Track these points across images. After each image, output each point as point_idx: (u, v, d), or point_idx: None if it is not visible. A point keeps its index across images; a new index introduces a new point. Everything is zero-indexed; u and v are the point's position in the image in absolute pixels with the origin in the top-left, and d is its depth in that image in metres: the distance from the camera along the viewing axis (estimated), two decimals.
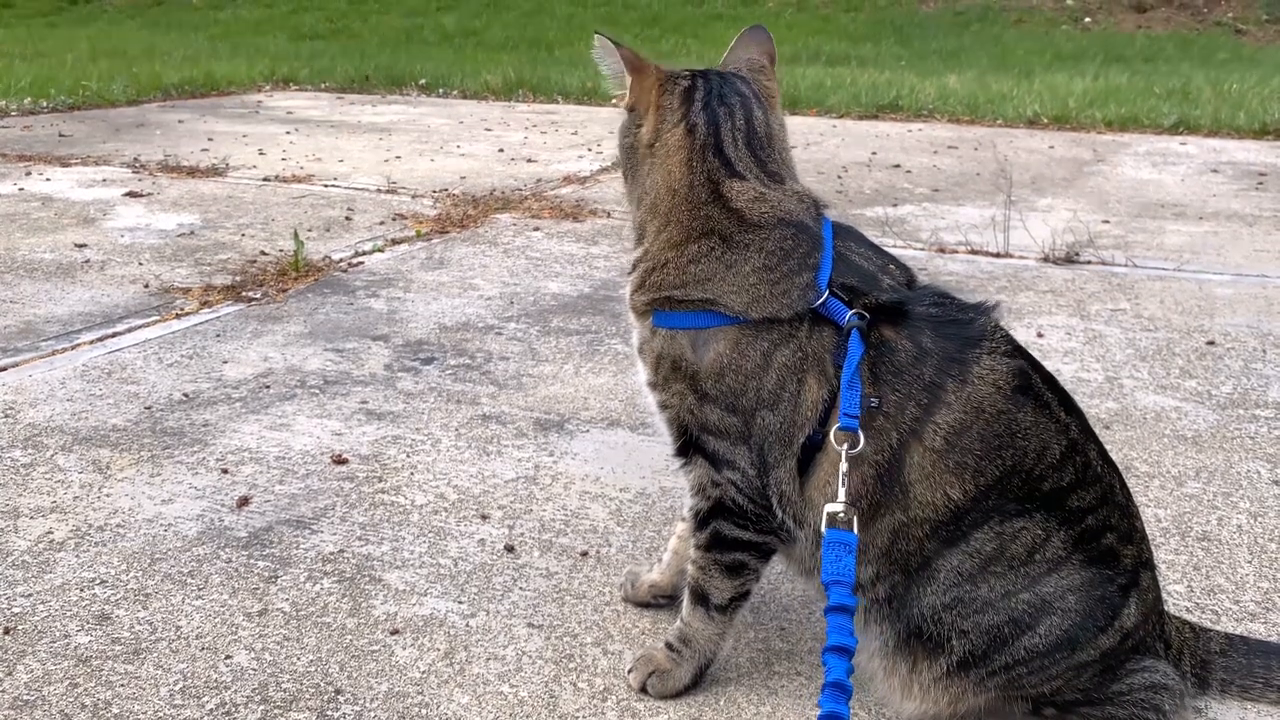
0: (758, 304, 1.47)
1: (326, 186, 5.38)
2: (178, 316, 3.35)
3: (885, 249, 1.60)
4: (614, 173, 5.59)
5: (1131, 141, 7.16)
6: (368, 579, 1.93)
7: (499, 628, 1.79)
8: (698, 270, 1.51)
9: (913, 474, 1.41)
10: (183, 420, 2.59)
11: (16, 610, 1.81)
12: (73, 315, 3.33)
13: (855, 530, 1.36)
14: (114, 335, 3.16)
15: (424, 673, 1.67)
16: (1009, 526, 1.40)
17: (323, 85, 9.89)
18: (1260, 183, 5.72)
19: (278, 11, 16.63)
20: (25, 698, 1.60)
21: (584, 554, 2.02)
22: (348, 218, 4.69)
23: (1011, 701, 1.44)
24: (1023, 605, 1.39)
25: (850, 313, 1.43)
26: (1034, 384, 1.45)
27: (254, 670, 1.67)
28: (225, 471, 2.33)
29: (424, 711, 1.58)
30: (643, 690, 1.61)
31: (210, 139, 6.73)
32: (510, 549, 2.03)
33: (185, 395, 2.74)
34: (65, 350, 3.04)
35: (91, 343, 3.10)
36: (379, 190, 5.30)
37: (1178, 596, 1.88)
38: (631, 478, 2.34)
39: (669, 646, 1.63)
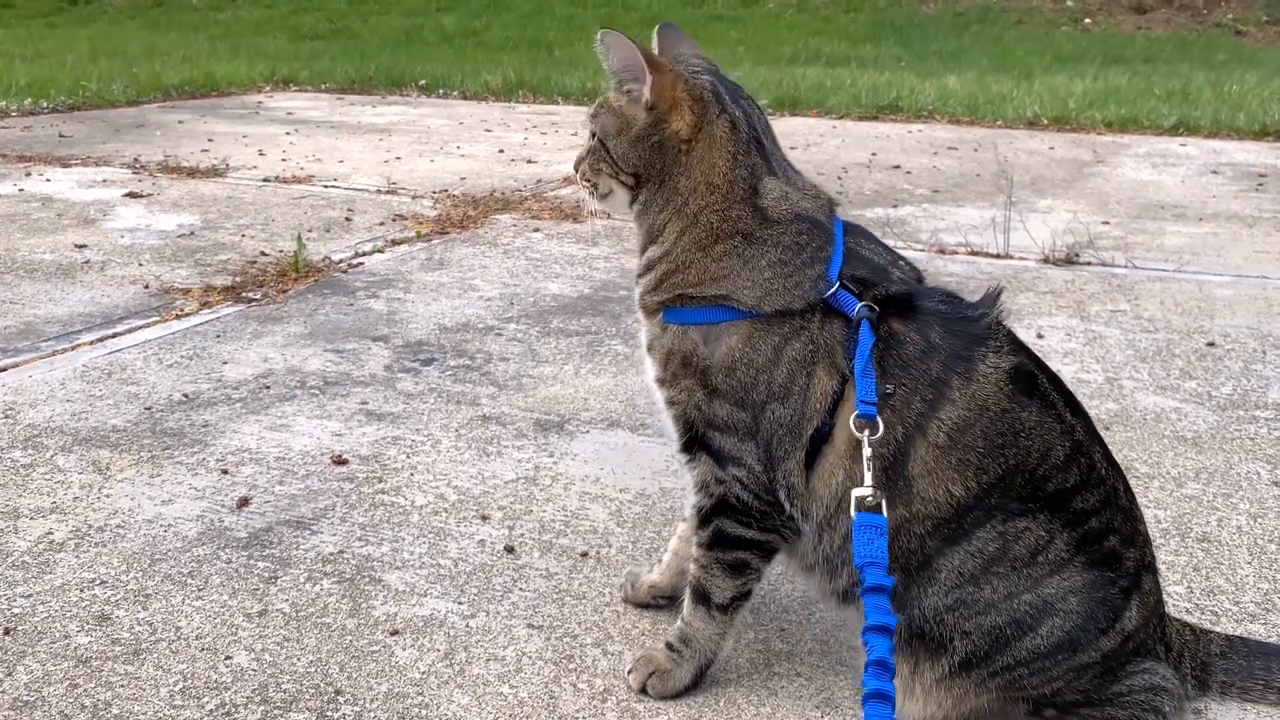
0: (770, 298, 1.48)
1: (326, 187, 5.38)
2: (178, 317, 3.35)
3: (893, 249, 1.60)
4: None
5: (1131, 143, 7.16)
6: (368, 580, 1.93)
7: (499, 628, 1.79)
8: (717, 268, 1.51)
9: (916, 468, 1.41)
10: (183, 421, 2.59)
11: (16, 611, 1.81)
12: (73, 316, 3.33)
13: (884, 513, 1.35)
14: (114, 336, 3.16)
15: (424, 673, 1.67)
16: (1012, 526, 1.40)
17: (323, 86, 9.89)
18: (1260, 184, 5.72)
19: (278, 12, 16.64)
20: (25, 698, 1.60)
21: (584, 555, 2.02)
22: (348, 218, 4.69)
23: (1012, 702, 1.44)
24: (1025, 606, 1.39)
25: (860, 304, 1.43)
26: (1040, 384, 1.46)
27: (254, 671, 1.67)
28: (225, 472, 2.33)
29: (424, 712, 1.58)
30: (643, 691, 1.61)
31: (210, 140, 6.74)
32: (510, 550, 2.03)
33: (185, 396, 2.74)
34: (65, 351, 3.04)
35: (91, 343, 3.10)
36: (379, 191, 5.30)
37: (1177, 597, 1.88)
38: (631, 478, 2.34)
39: (669, 647, 1.63)
